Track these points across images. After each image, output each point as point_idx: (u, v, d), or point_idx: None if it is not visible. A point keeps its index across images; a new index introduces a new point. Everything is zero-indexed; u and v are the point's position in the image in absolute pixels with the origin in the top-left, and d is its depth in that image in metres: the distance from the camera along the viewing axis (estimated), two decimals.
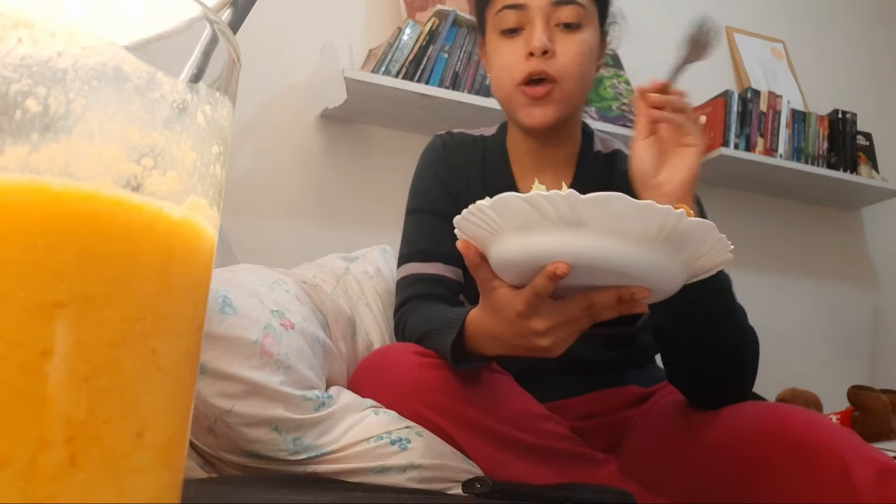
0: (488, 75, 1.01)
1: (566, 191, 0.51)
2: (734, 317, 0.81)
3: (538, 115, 0.90)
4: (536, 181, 0.61)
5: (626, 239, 0.53)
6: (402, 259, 0.99)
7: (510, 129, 1.04)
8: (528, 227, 0.55)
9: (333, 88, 1.58)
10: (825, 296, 2.25)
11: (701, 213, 0.86)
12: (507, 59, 0.90)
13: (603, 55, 0.98)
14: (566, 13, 0.89)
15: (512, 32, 0.91)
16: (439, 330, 0.79)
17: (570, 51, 0.89)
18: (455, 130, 1.08)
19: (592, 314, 0.61)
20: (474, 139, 1.06)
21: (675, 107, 0.78)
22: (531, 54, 0.88)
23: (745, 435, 0.75)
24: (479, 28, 0.99)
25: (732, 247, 0.57)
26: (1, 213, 0.20)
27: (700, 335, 0.80)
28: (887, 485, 0.64)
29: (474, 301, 0.72)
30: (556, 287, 0.58)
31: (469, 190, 1.01)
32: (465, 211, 0.58)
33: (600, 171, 1.00)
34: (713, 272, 0.60)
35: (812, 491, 0.66)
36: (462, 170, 1.02)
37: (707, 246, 0.56)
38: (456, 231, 0.62)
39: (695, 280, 0.61)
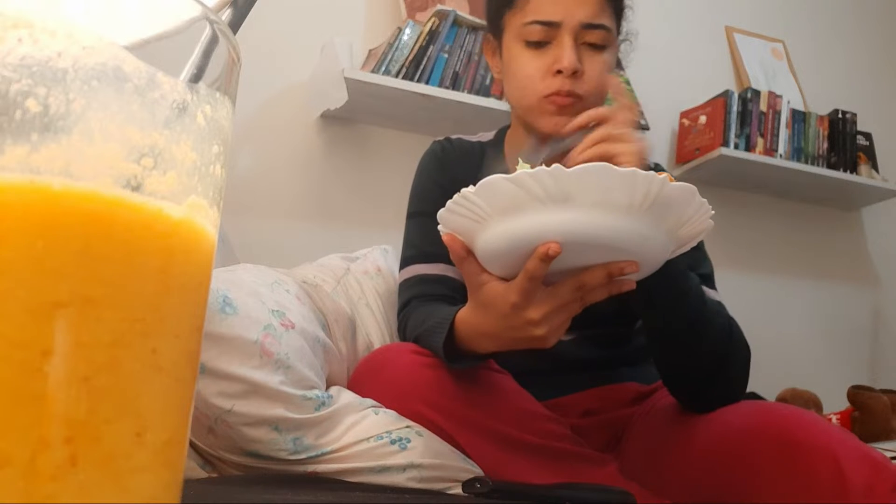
0: (497, 76, 1.02)
1: (551, 166, 0.51)
2: (705, 317, 0.81)
3: (562, 125, 0.90)
4: (521, 160, 0.60)
5: (613, 209, 0.53)
6: (405, 262, 0.99)
7: (510, 133, 1.05)
8: (516, 209, 0.54)
9: (334, 89, 1.58)
10: (825, 296, 2.25)
11: None
12: (533, 72, 0.91)
13: None
14: (595, 35, 0.90)
15: (538, 45, 0.91)
16: (431, 331, 0.79)
17: (596, 71, 0.91)
18: (454, 136, 1.09)
19: (584, 296, 0.62)
20: (472, 145, 1.07)
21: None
22: (559, 71, 0.89)
23: (741, 435, 0.75)
24: (493, 29, 0.99)
25: (713, 212, 0.58)
26: (1, 213, 0.20)
27: (673, 339, 0.81)
28: (881, 483, 0.64)
29: None
30: (547, 272, 0.58)
31: None
32: (449, 202, 0.58)
33: None
34: (696, 242, 0.61)
35: (806, 489, 0.67)
36: (460, 175, 1.03)
37: (690, 211, 0.56)
38: (440, 227, 0.62)
39: (677, 254, 0.61)
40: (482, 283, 0.64)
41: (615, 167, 0.51)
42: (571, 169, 0.51)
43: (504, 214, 0.55)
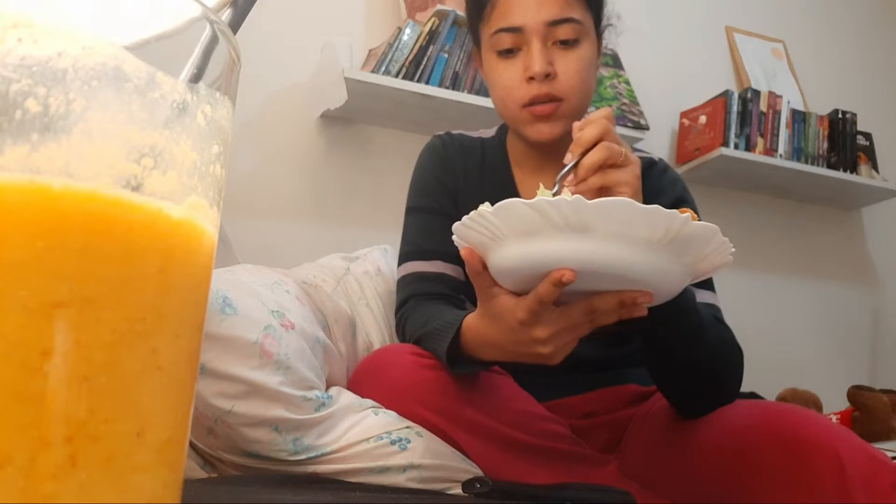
0: (487, 85, 1.01)
1: (572, 196, 0.51)
2: (704, 334, 0.80)
3: (546, 131, 0.90)
4: (542, 186, 0.60)
5: (631, 244, 0.52)
6: (403, 258, 0.99)
7: (511, 132, 1.04)
8: (532, 233, 0.54)
9: (334, 89, 1.58)
10: (825, 296, 2.25)
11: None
12: (508, 82, 0.90)
13: (600, 57, 0.98)
14: (563, 31, 0.88)
15: (509, 53, 0.90)
16: (435, 333, 0.79)
17: (570, 68, 0.88)
18: (454, 131, 1.08)
19: (593, 319, 0.61)
20: (473, 140, 1.06)
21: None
22: (532, 78, 0.87)
23: (742, 433, 0.75)
24: (475, 41, 0.99)
25: (734, 249, 0.57)
26: (1, 213, 0.20)
27: (671, 354, 0.80)
28: (882, 480, 0.64)
29: (476, 301, 0.72)
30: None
31: (466, 191, 1.01)
32: (465, 217, 0.57)
33: None
34: (713, 273, 0.60)
35: (807, 486, 0.67)
36: (460, 170, 1.02)
37: (710, 249, 0.56)
38: (454, 238, 0.62)
39: (685, 286, 0.61)
40: (493, 295, 0.64)
41: (637, 203, 0.50)
42: (593, 201, 0.50)
43: (520, 237, 0.55)
